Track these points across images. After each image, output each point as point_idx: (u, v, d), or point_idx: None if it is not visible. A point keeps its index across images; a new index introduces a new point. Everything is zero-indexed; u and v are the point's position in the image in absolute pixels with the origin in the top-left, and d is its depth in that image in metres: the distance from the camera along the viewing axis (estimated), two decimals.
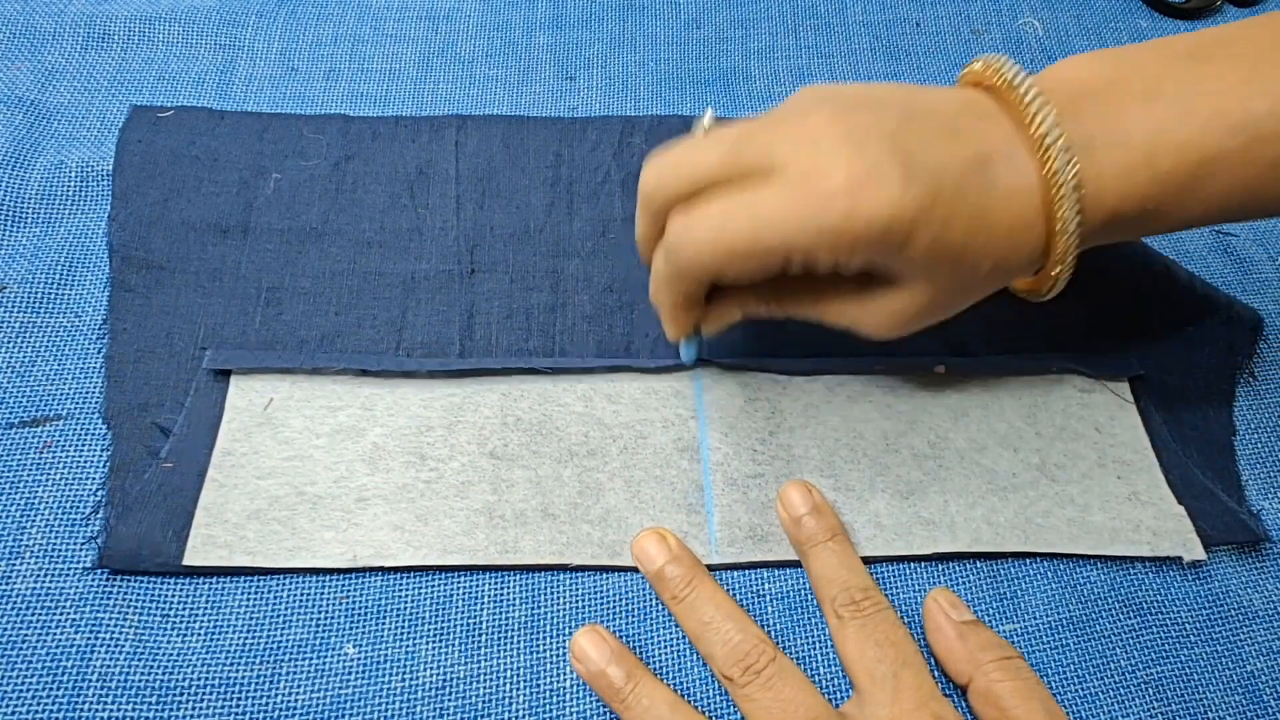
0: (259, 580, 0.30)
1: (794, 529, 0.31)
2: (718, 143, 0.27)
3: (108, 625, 0.29)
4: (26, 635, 0.28)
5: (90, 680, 0.28)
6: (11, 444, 0.32)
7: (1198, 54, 0.26)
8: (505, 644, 0.30)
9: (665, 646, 0.30)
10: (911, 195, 0.24)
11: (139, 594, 0.30)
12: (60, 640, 0.28)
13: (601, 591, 0.31)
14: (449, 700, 0.29)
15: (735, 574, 0.31)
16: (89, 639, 0.28)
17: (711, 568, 0.31)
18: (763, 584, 0.31)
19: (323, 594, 0.30)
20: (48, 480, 0.31)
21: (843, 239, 0.25)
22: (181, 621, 0.29)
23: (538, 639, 0.30)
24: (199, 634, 0.29)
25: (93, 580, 0.30)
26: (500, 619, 0.30)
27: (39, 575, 0.29)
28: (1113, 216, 0.26)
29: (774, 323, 0.36)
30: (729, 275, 0.27)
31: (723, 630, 0.29)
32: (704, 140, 0.27)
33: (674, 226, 0.27)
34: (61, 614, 0.29)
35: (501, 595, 0.31)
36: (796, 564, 0.31)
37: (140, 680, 0.28)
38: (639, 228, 0.29)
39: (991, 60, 0.27)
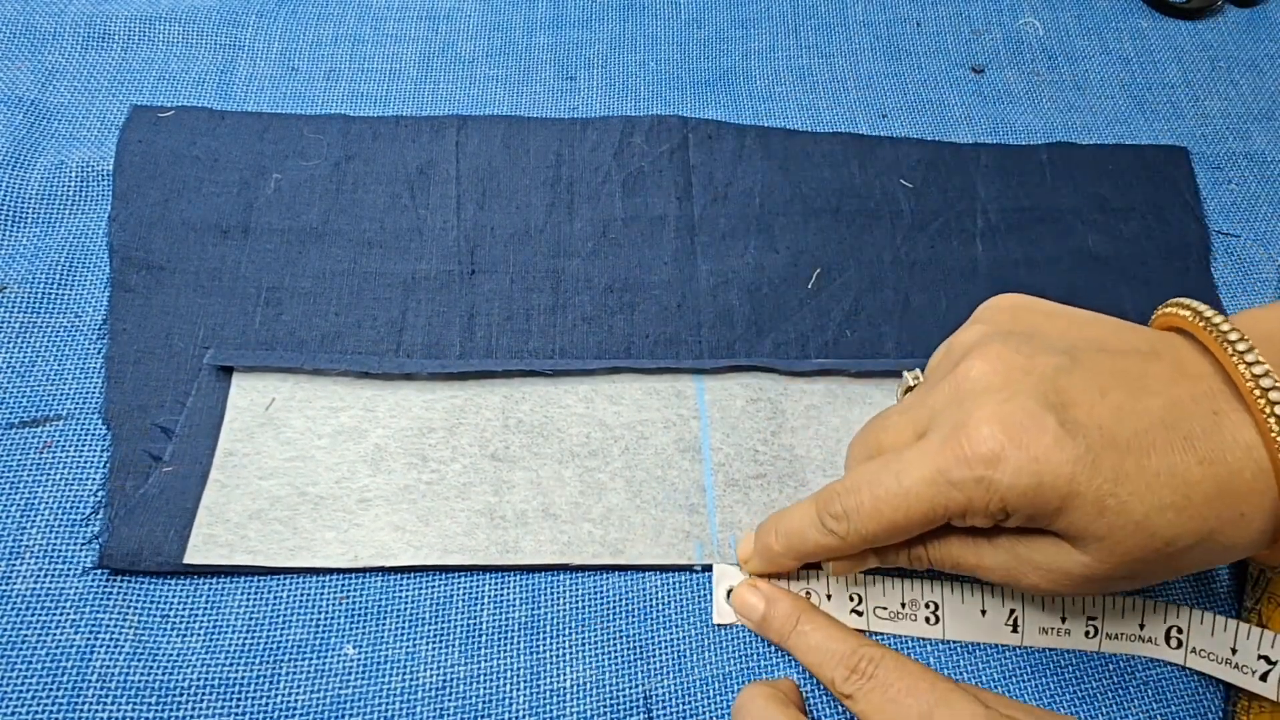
0: (259, 580, 0.30)
1: (765, 629, 0.30)
2: (899, 412, 0.27)
3: (108, 625, 0.29)
4: (26, 635, 0.28)
5: (90, 680, 0.28)
6: (11, 444, 0.32)
7: None
8: (505, 644, 0.30)
9: (667, 647, 0.30)
10: (1066, 453, 0.22)
11: (139, 594, 0.29)
12: (60, 640, 0.28)
13: (602, 591, 0.31)
14: (449, 700, 0.29)
15: None
16: (89, 639, 0.28)
17: (710, 568, 0.31)
18: None
19: (323, 594, 0.30)
20: (48, 480, 0.31)
21: (988, 501, 0.23)
22: (181, 621, 0.29)
23: (538, 639, 0.30)
24: (199, 634, 0.29)
25: (93, 580, 0.29)
26: (500, 619, 0.30)
27: (39, 575, 0.29)
28: None
29: (773, 322, 0.36)
30: (881, 539, 0.26)
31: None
32: (892, 413, 0.27)
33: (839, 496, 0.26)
34: (61, 614, 0.29)
35: (501, 595, 0.31)
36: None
37: (140, 680, 0.28)
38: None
39: (1187, 303, 0.25)
